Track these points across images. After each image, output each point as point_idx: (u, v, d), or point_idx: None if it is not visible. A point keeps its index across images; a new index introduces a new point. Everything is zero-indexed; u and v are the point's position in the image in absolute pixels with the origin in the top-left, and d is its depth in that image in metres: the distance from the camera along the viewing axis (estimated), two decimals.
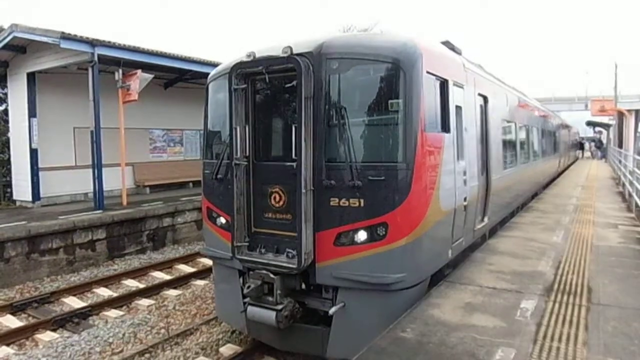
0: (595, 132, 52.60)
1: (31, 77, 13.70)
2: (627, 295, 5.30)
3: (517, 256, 6.98)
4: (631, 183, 12.65)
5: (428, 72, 5.43)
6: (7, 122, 15.31)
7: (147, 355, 6.71)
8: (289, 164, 5.32)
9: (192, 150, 18.90)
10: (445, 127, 5.95)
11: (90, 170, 13.17)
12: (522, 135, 12.03)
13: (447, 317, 4.68)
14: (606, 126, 44.07)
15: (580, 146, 43.73)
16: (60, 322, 7.88)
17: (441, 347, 4.01)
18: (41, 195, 13.88)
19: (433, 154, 5.49)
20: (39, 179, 13.81)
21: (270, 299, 5.40)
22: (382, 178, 5.04)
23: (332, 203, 5.20)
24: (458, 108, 6.43)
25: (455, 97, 6.28)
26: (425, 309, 4.89)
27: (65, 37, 11.68)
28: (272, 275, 5.37)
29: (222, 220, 6.03)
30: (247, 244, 5.70)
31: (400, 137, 5.13)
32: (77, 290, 9.50)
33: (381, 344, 4.13)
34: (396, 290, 5.14)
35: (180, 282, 10.08)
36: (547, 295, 5.29)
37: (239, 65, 5.56)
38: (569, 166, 27.91)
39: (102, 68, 13.04)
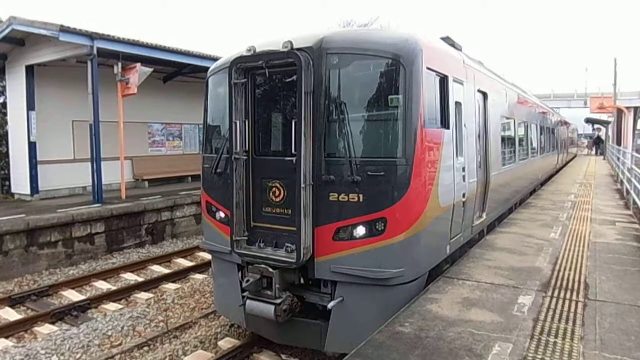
0: (594, 129, 52.66)
1: (30, 70, 13.63)
2: (623, 291, 5.34)
3: (514, 252, 7.01)
4: (629, 180, 12.68)
5: (428, 68, 5.43)
6: (5, 114, 15.25)
7: (145, 348, 6.74)
8: (288, 158, 5.32)
9: (190, 145, 18.90)
10: (445, 123, 5.96)
11: (89, 163, 13.13)
12: (521, 131, 12.05)
13: (445, 312, 4.70)
14: (605, 123, 44.10)
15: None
16: (59, 315, 7.90)
17: (439, 342, 4.04)
18: (39, 189, 13.86)
19: (432, 149, 5.50)
20: (37, 172, 13.79)
21: (269, 292, 5.42)
22: (382, 173, 5.05)
23: (331, 198, 5.22)
24: (457, 104, 6.44)
25: (454, 93, 6.29)
26: (424, 304, 4.92)
27: (64, 30, 11.63)
28: (270, 269, 5.39)
29: (222, 214, 6.04)
30: (246, 238, 5.72)
31: (399, 133, 5.14)
32: (75, 283, 9.52)
33: (379, 338, 4.16)
34: (394, 285, 5.17)
35: (179, 275, 10.10)
36: (544, 291, 5.32)
37: (239, 59, 5.55)
38: (567, 163, 27.95)
39: (101, 61, 13.00)
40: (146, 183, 16.44)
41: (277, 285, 5.39)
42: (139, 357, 6.51)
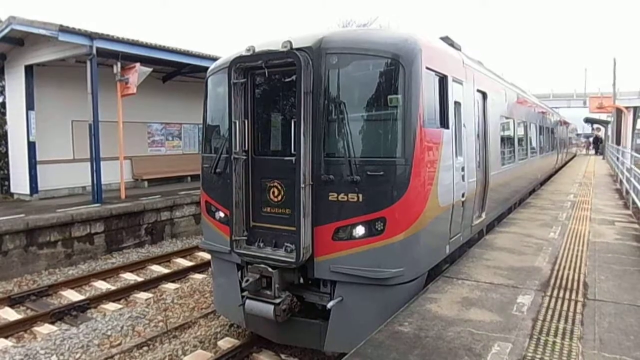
0: (593, 129, 52.75)
1: (29, 69, 13.62)
2: (623, 291, 5.34)
3: (514, 252, 7.01)
4: (628, 180, 12.69)
5: (427, 68, 5.43)
6: (4, 114, 15.24)
7: (145, 348, 6.74)
8: (287, 158, 5.33)
9: (190, 144, 18.91)
10: (444, 123, 5.96)
11: (89, 163, 13.14)
12: (521, 131, 12.06)
13: (444, 311, 4.71)
14: (604, 123, 44.14)
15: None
16: (59, 315, 7.89)
17: (438, 341, 4.05)
18: (39, 188, 13.86)
19: (432, 149, 5.50)
20: (36, 172, 13.78)
21: (268, 292, 5.42)
22: (381, 173, 5.05)
23: (330, 198, 5.22)
24: (457, 104, 6.45)
25: (454, 93, 6.29)
26: (423, 304, 4.92)
27: (64, 29, 11.63)
28: (270, 269, 5.39)
29: (221, 214, 6.04)
30: (245, 238, 5.72)
31: (399, 133, 5.14)
32: (75, 283, 9.52)
33: (379, 337, 4.16)
34: (394, 284, 5.17)
35: (178, 275, 10.10)
36: (544, 291, 5.33)
37: (239, 59, 5.55)
38: (567, 162, 27.95)
39: (100, 61, 12.99)
40: (145, 183, 16.44)
41: (277, 285, 5.39)
42: (139, 357, 6.51)
